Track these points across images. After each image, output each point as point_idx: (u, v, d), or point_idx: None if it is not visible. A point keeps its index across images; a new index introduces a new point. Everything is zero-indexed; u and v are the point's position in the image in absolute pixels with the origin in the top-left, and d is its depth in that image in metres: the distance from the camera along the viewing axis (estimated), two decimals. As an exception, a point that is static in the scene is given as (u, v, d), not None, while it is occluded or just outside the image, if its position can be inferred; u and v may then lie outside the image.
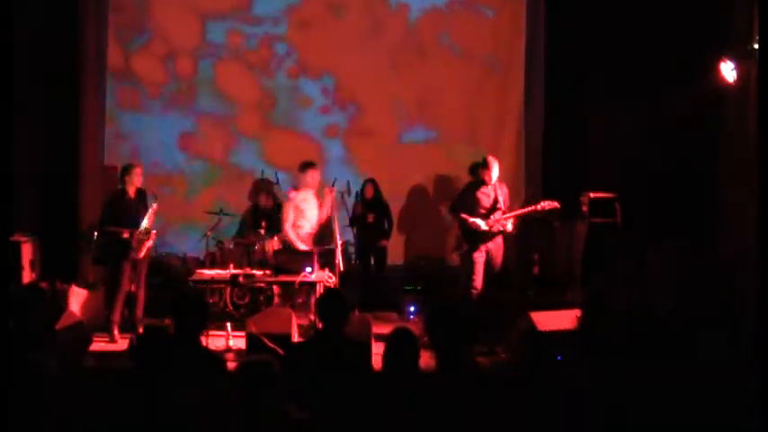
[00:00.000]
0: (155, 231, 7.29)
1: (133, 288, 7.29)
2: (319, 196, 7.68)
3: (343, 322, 4.11)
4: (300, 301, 7.83)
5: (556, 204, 7.08)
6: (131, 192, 7.29)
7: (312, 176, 7.62)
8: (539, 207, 7.08)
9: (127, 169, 7.34)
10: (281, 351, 5.70)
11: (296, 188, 7.72)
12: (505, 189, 7.29)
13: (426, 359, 3.62)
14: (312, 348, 4.15)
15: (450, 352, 3.45)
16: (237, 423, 3.17)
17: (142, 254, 7.20)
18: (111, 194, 7.51)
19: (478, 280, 7.05)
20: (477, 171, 7.60)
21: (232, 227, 8.67)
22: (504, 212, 7.11)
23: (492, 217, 7.06)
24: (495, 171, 7.10)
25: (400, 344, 3.61)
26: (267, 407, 3.12)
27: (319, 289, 6.96)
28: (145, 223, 7.17)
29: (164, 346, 3.78)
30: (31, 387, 3.40)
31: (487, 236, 7.07)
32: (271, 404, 3.12)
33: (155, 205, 7.29)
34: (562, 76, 8.63)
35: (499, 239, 7.16)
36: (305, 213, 7.59)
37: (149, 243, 7.27)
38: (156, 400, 3.57)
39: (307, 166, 7.66)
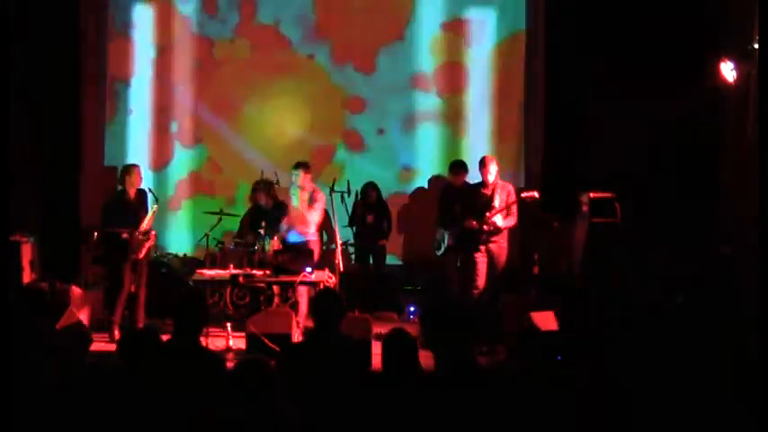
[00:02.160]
0: (154, 232, 7.29)
1: (134, 288, 7.29)
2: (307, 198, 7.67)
3: (337, 322, 4.11)
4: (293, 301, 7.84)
5: (534, 194, 7.08)
6: (131, 192, 7.29)
7: (296, 176, 7.63)
8: (520, 197, 7.11)
9: (127, 170, 7.35)
10: (278, 351, 5.71)
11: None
12: (509, 188, 7.28)
13: (426, 359, 3.62)
14: (307, 348, 4.15)
15: (447, 352, 3.44)
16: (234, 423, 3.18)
17: (142, 254, 7.20)
18: (111, 195, 7.51)
19: (480, 280, 7.05)
20: (455, 171, 7.92)
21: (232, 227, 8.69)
22: (505, 214, 7.11)
23: (486, 217, 7.06)
24: (492, 170, 7.10)
25: (397, 344, 3.61)
26: (264, 406, 3.12)
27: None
28: (144, 224, 7.18)
29: (152, 345, 3.77)
30: (32, 387, 3.40)
31: (482, 235, 7.06)
32: (267, 403, 3.13)
33: (155, 206, 7.29)
34: (562, 76, 8.62)
35: (503, 241, 7.15)
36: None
37: (149, 244, 7.27)
38: (156, 400, 3.58)
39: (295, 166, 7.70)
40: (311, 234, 7.72)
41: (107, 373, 3.71)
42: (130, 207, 7.25)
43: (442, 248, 7.64)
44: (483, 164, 7.16)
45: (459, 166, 8.05)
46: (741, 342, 5.79)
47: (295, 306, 7.52)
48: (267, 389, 3.12)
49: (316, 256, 7.58)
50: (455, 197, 7.57)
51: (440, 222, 7.76)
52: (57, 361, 3.55)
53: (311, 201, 7.68)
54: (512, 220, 7.20)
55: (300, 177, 7.63)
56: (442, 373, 3.46)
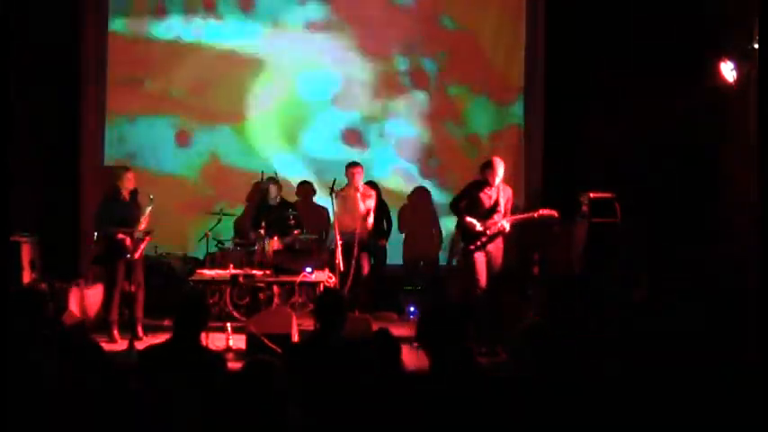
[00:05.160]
0: (149, 232, 7.29)
1: (132, 288, 7.30)
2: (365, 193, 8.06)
3: (340, 323, 4.11)
4: (301, 300, 7.85)
5: (554, 213, 7.09)
6: (125, 193, 7.32)
7: (354, 174, 8.01)
8: (536, 215, 7.10)
9: (117, 173, 7.38)
10: (279, 351, 5.71)
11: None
12: (509, 191, 7.29)
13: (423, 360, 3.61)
14: (310, 349, 4.15)
15: (444, 354, 3.41)
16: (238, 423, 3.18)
17: (138, 254, 7.21)
18: (106, 195, 7.52)
19: (482, 279, 7.05)
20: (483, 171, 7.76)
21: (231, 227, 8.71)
22: (503, 215, 7.12)
23: (492, 218, 7.06)
24: (499, 172, 7.09)
25: (380, 346, 3.61)
26: (270, 407, 3.12)
27: (319, 289, 6.98)
28: (141, 224, 7.20)
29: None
30: (30, 387, 3.40)
31: (483, 236, 7.06)
32: (273, 404, 3.13)
33: (150, 207, 7.30)
34: (562, 76, 8.62)
35: (499, 241, 7.16)
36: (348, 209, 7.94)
37: (144, 244, 7.27)
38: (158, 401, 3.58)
39: (349, 164, 8.11)
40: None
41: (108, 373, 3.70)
42: (124, 207, 7.27)
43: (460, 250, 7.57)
44: (491, 165, 7.12)
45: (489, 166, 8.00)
46: (741, 342, 5.79)
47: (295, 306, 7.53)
48: (274, 390, 3.12)
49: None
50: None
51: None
52: (56, 361, 3.54)
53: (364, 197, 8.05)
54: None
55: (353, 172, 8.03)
56: (436, 373, 3.45)
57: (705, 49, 7.41)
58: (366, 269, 7.98)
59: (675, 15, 7.62)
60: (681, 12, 7.60)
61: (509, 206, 7.20)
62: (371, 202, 8.09)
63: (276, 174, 8.58)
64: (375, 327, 6.62)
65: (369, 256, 8.09)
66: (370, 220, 8.05)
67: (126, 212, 7.25)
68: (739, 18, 7.08)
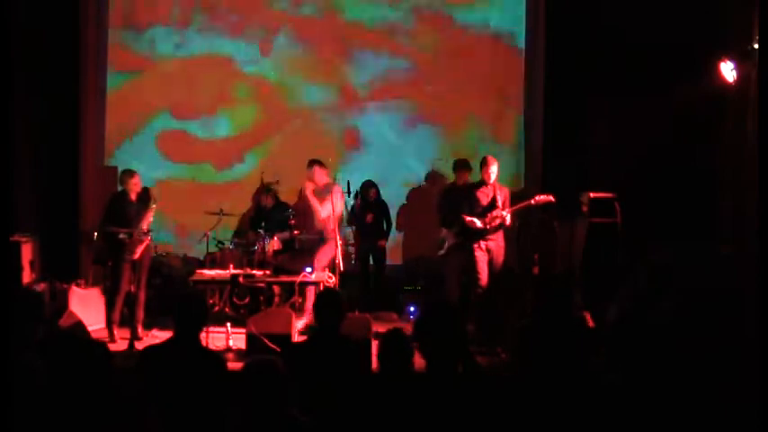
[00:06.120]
0: (151, 232, 7.29)
1: (133, 288, 7.30)
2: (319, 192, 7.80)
3: (338, 323, 4.11)
4: (301, 300, 7.85)
5: (550, 198, 7.10)
6: (133, 194, 7.32)
7: (316, 173, 7.78)
8: (533, 201, 7.11)
9: (123, 178, 7.38)
10: (279, 351, 5.71)
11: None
12: (506, 191, 7.32)
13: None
14: (308, 349, 4.16)
15: (441, 354, 3.40)
16: (239, 423, 3.18)
17: (137, 254, 7.19)
18: (113, 196, 7.53)
19: (483, 277, 7.07)
20: (460, 170, 8.06)
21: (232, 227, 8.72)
22: (501, 209, 7.14)
23: (491, 214, 7.09)
24: (493, 170, 7.14)
25: (393, 345, 3.60)
26: (271, 407, 3.12)
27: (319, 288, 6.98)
28: (142, 224, 7.20)
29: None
30: (28, 387, 3.40)
31: (485, 234, 7.08)
32: (274, 404, 3.13)
33: (153, 206, 7.31)
34: (562, 76, 8.62)
35: (500, 239, 7.18)
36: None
37: (144, 244, 7.26)
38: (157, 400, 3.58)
39: (311, 163, 7.83)
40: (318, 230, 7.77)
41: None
42: (131, 208, 7.28)
43: (445, 248, 7.63)
44: (485, 163, 7.19)
45: (463, 165, 8.10)
46: (741, 341, 5.78)
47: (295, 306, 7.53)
48: (274, 390, 3.13)
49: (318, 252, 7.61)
50: (460, 196, 7.56)
51: (443, 222, 7.74)
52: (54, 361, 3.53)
53: (321, 194, 7.78)
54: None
55: (311, 172, 7.78)
56: (437, 373, 3.44)
57: (705, 49, 7.41)
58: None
59: (675, 15, 7.61)
60: (681, 12, 7.59)
61: (507, 203, 7.22)
62: (335, 201, 7.71)
63: (276, 175, 8.58)
64: (375, 327, 6.64)
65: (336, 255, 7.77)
66: (322, 217, 7.73)
67: (133, 213, 7.25)
68: (739, 18, 7.08)
